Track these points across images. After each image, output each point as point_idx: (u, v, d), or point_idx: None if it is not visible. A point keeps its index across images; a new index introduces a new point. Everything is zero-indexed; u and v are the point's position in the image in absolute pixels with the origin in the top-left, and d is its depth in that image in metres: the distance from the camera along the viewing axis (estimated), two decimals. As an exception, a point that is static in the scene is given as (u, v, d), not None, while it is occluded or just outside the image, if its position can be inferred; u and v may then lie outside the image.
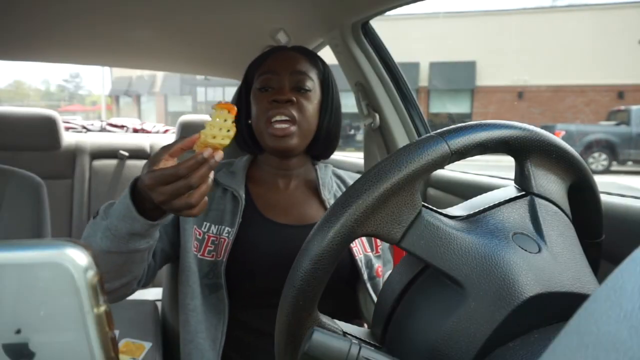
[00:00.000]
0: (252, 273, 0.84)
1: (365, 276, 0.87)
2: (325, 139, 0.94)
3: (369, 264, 0.89)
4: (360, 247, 0.90)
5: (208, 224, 0.87)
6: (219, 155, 0.62)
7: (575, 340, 0.17)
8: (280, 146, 0.86)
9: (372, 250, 0.93)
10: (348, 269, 0.87)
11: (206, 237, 0.86)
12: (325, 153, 0.98)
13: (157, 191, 0.61)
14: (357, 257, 0.87)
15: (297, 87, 0.88)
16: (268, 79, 0.88)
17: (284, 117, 0.85)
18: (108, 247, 0.67)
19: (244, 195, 0.88)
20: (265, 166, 0.96)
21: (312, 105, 0.89)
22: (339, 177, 1.00)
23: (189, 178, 0.59)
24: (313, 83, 0.90)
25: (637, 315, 0.16)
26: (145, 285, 0.83)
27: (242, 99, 0.96)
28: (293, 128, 0.86)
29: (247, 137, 0.95)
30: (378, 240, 0.94)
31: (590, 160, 9.29)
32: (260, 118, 0.87)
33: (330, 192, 0.94)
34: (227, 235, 0.85)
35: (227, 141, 0.62)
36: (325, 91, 0.93)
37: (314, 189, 0.94)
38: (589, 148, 9.33)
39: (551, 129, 9.61)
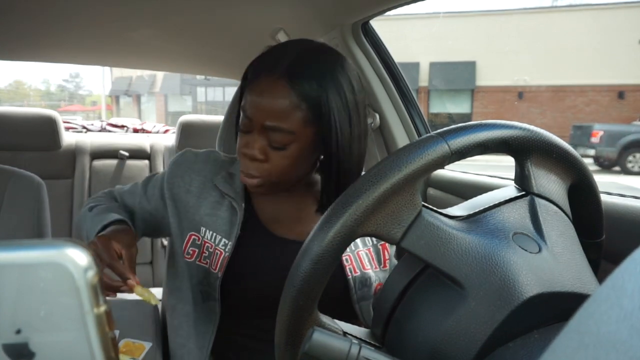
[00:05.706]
0: (251, 290, 0.80)
1: (356, 296, 0.81)
2: (338, 173, 0.77)
3: (367, 283, 0.82)
4: (356, 264, 0.82)
5: (204, 229, 0.82)
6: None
7: (575, 340, 0.17)
8: (249, 189, 0.81)
9: (380, 264, 0.85)
10: (341, 289, 0.81)
11: (203, 242, 0.81)
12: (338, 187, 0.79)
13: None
14: (349, 277, 0.80)
15: (268, 143, 0.74)
16: (243, 121, 0.76)
17: (249, 171, 0.76)
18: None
19: (243, 206, 0.81)
20: None
21: (288, 159, 0.74)
22: None
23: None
24: (290, 136, 0.73)
25: (637, 315, 0.16)
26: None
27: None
28: (258, 181, 0.76)
29: None
30: (387, 253, 0.88)
31: (630, 158, 9.07)
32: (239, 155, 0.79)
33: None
34: (223, 247, 0.79)
35: None
36: (323, 123, 0.73)
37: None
38: (627, 148, 9.03)
39: (588, 129, 9.33)
